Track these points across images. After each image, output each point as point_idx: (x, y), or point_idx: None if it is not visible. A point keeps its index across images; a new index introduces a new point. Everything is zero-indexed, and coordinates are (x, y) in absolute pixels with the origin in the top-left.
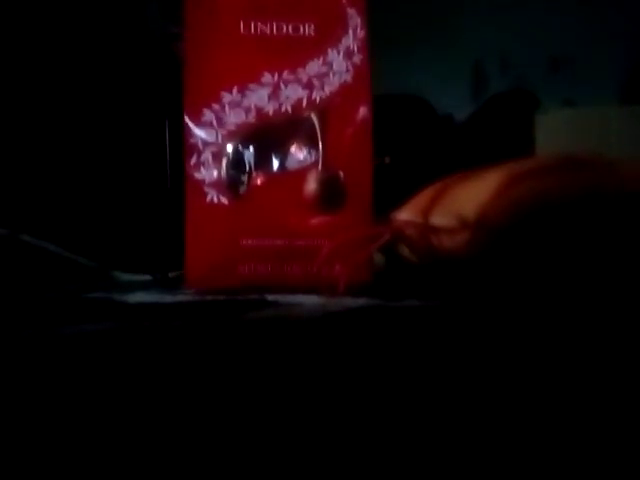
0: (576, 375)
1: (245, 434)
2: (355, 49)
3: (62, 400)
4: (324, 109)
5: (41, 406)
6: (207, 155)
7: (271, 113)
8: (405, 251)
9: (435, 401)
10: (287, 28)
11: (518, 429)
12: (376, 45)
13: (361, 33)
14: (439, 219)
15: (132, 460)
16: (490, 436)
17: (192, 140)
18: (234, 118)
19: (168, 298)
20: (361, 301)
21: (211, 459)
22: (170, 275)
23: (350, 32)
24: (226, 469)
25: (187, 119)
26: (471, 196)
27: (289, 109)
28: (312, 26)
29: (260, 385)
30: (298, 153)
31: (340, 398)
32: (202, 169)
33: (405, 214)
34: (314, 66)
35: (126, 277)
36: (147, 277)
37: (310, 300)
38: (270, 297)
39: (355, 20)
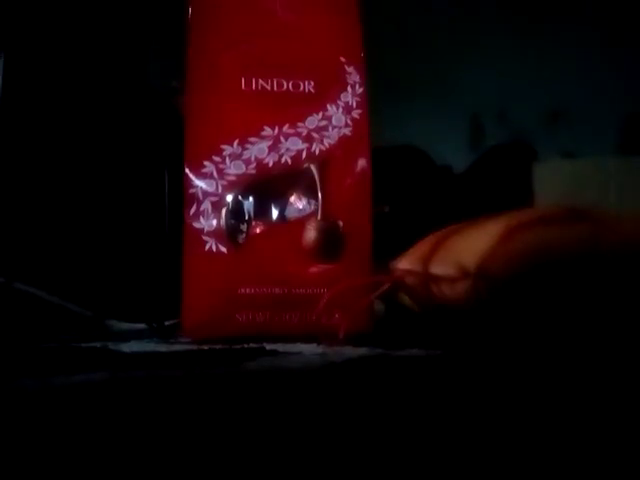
0: (577, 424)
1: None
2: (354, 104)
3: (56, 451)
4: (323, 161)
5: (35, 457)
6: (207, 205)
7: (271, 165)
8: (406, 300)
9: (438, 451)
10: (287, 84)
11: (521, 478)
12: (376, 97)
13: (360, 89)
14: (439, 268)
15: None
16: None
17: (192, 190)
18: (234, 169)
19: (164, 347)
20: (361, 350)
21: None
22: (167, 324)
23: (349, 89)
24: None
25: (187, 170)
26: (471, 246)
27: (289, 161)
28: (312, 83)
29: (259, 437)
30: (297, 203)
31: (341, 450)
32: (201, 218)
33: (405, 263)
34: (314, 120)
35: (122, 326)
36: (143, 326)
37: (309, 349)
38: (269, 346)
39: (354, 77)
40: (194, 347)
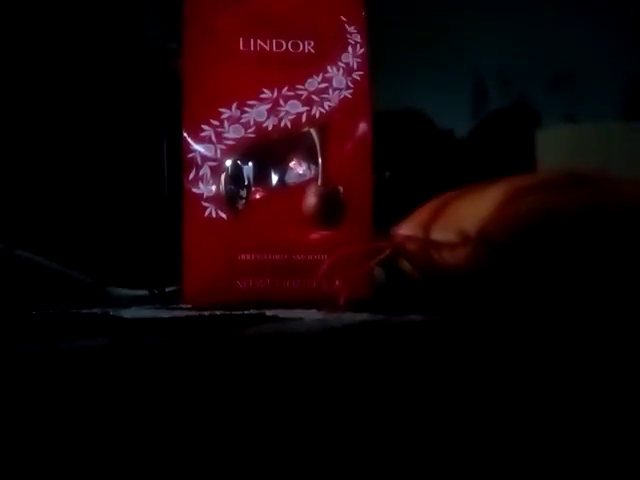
0: (577, 389)
1: (244, 451)
2: (355, 66)
3: (58, 417)
4: (324, 124)
5: (37, 423)
6: (206, 170)
7: (270, 129)
8: (406, 266)
9: (437, 416)
10: (286, 45)
11: (520, 445)
12: (377, 61)
13: (361, 50)
14: (440, 234)
15: (129, 477)
16: (491, 452)
17: (190, 155)
18: (233, 133)
19: (165, 314)
20: (362, 316)
21: (209, 477)
22: (167, 290)
23: (350, 49)
24: None
25: (186, 134)
26: (472, 211)
27: (288, 125)
28: (311, 43)
29: (259, 402)
30: (297, 168)
31: (341, 415)
32: (200, 184)
33: (406, 229)
34: (313, 82)
35: (122, 292)
36: (144, 292)
37: (310, 315)
38: (269, 312)
39: (355, 37)
40: (195, 313)
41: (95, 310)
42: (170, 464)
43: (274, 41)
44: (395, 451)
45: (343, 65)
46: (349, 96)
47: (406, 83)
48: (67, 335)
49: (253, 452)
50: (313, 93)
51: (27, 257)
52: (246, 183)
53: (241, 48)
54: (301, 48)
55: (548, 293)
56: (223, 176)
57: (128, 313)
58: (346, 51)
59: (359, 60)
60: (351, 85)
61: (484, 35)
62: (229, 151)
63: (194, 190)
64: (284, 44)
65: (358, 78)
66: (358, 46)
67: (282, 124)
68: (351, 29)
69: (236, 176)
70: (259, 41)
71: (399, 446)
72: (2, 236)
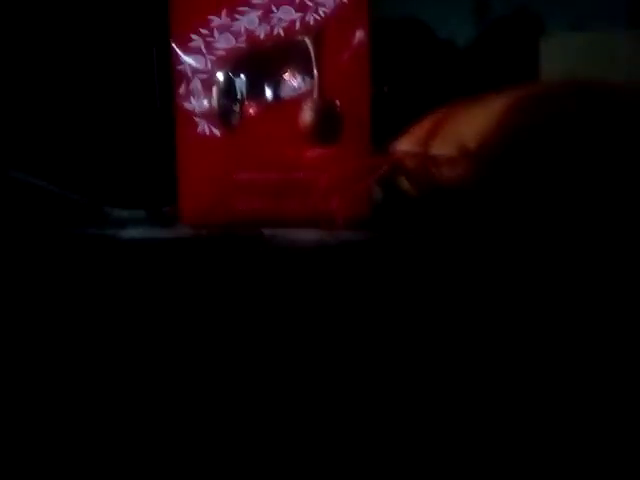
0: (572, 313)
1: (239, 371)
2: None
3: (62, 330)
4: (319, 32)
5: (40, 344)
6: (196, 83)
7: (262, 37)
8: (404, 184)
9: (431, 334)
10: None
11: (511, 372)
12: None
13: None
14: (439, 149)
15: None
16: (482, 378)
17: (180, 67)
18: (223, 43)
19: (162, 234)
20: (359, 235)
21: (207, 406)
22: (164, 210)
23: None
24: (223, 420)
25: (174, 45)
26: (472, 124)
27: (281, 33)
28: None
29: (258, 320)
30: (292, 80)
31: (341, 332)
32: (192, 98)
33: (404, 144)
34: None
35: (119, 213)
36: (141, 212)
37: (308, 234)
38: (267, 232)
39: None
40: (192, 234)
41: (92, 231)
42: (168, 393)
43: None
44: (387, 373)
45: None
46: (345, 1)
47: None
48: (64, 256)
49: (247, 371)
50: None
51: (22, 179)
52: (239, 97)
53: None
54: None
55: (548, 207)
56: (215, 90)
57: (125, 234)
58: None
59: None
60: None
61: None
62: (220, 62)
63: (186, 105)
64: None
65: None
66: None
67: (274, 32)
68: None
69: (228, 90)
70: None
71: (392, 367)
72: None
